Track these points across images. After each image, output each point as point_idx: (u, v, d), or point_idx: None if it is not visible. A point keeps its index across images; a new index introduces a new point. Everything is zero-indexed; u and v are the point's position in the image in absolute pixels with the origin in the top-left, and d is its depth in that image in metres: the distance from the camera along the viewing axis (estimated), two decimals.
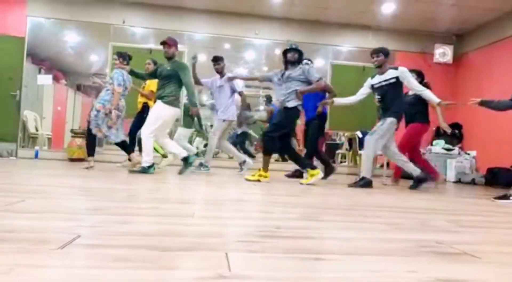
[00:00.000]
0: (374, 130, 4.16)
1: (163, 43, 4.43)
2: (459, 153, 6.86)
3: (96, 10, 6.62)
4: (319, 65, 7.43)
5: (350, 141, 7.21)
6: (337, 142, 8.77)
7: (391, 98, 4.16)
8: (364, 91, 4.35)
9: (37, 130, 6.74)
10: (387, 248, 1.38)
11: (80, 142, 6.00)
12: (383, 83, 4.19)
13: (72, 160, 6.05)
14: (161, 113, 4.26)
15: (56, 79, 6.82)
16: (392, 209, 2.52)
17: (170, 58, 4.45)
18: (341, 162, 7.87)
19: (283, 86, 4.17)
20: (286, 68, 4.22)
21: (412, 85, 4.17)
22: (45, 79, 6.66)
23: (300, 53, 4.24)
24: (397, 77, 4.14)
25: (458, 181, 6.42)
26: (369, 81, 4.34)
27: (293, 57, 4.17)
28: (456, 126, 7.25)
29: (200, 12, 6.83)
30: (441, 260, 1.25)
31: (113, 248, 1.17)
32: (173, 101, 4.32)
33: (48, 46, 6.75)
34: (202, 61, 7.07)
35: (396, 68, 4.20)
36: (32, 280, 0.87)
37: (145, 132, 4.23)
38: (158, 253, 1.14)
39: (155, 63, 5.15)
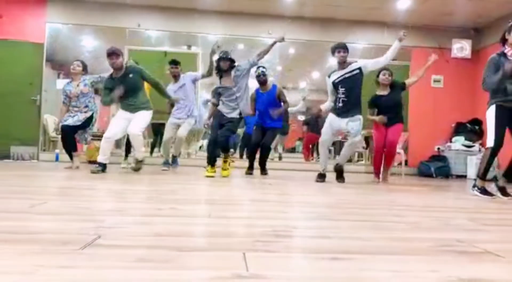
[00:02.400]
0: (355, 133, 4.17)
1: (112, 54, 4.29)
2: (479, 150, 6.70)
3: (112, 15, 6.72)
4: (333, 63, 7.33)
5: (367, 139, 7.12)
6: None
7: (357, 93, 4.17)
8: (331, 93, 4.31)
9: (57, 134, 6.90)
10: (407, 248, 1.36)
11: (98, 144, 6.10)
12: (347, 75, 4.16)
13: (91, 162, 6.15)
14: (148, 120, 4.43)
15: None
16: (411, 208, 2.48)
17: (120, 68, 4.33)
18: (358, 161, 7.79)
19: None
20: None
21: (376, 61, 4.19)
22: (64, 84, 6.81)
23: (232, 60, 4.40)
24: (360, 68, 4.15)
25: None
26: (329, 81, 4.27)
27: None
28: (476, 122, 7.09)
29: (213, 14, 6.87)
30: (463, 259, 1.22)
31: (133, 249, 1.19)
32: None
33: (66, 51, 6.89)
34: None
35: (355, 61, 4.23)
36: (54, 280, 0.89)
37: (137, 131, 4.24)
38: (177, 253, 1.15)
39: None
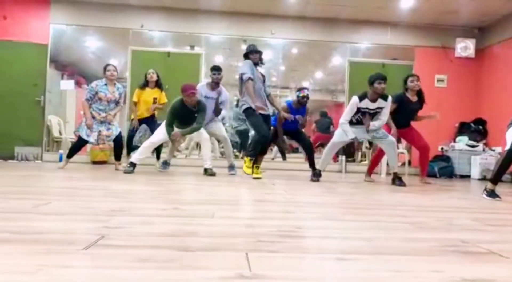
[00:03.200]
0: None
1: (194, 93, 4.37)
2: (483, 149, 6.66)
3: (115, 16, 6.75)
4: (337, 63, 7.36)
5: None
6: (362, 140, 8.67)
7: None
8: (350, 113, 4.23)
9: (61, 134, 6.93)
10: (411, 248, 1.35)
11: (102, 145, 6.13)
12: (371, 111, 4.19)
13: (95, 162, 6.19)
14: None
15: (78, 84, 6.99)
16: (415, 208, 2.47)
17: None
18: (361, 161, 7.77)
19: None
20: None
21: (385, 114, 4.23)
22: (67, 85, 6.83)
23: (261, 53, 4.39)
24: (382, 108, 4.17)
25: (483, 178, 6.23)
26: (357, 104, 4.14)
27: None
28: (480, 122, 7.05)
29: (216, 14, 6.87)
30: (467, 259, 1.22)
31: (136, 249, 1.19)
32: None
33: (70, 52, 6.92)
34: (218, 62, 7.13)
35: (387, 97, 4.16)
36: (58, 280, 0.89)
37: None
38: (180, 253, 1.15)
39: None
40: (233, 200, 2.53)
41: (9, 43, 6.54)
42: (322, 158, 4.47)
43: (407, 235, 1.58)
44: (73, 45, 6.90)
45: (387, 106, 4.17)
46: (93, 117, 4.71)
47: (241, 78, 4.29)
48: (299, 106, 4.78)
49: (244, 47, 6.86)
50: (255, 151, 4.29)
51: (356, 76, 6.87)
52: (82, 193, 2.55)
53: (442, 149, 6.98)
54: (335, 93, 7.53)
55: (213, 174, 4.48)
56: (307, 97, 4.75)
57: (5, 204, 1.94)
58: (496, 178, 3.22)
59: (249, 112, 4.26)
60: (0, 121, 6.41)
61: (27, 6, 6.59)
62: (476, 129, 6.97)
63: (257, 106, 4.11)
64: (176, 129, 4.49)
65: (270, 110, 4.51)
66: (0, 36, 6.52)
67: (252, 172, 4.29)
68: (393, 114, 4.44)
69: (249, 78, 4.18)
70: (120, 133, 4.84)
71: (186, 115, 4.44)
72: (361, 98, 4.11)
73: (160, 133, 4.50)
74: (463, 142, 6.80)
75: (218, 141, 6.09)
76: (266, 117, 4.35)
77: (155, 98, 5.23)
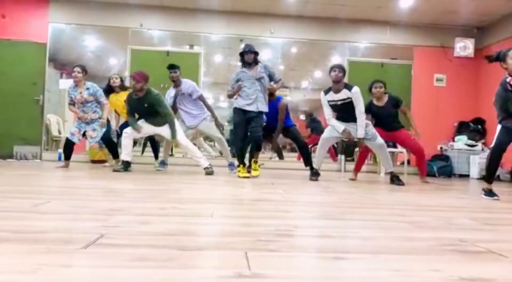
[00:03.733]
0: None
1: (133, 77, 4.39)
2: (482, 149, 6.67)
3: (114, 15, 6.74)
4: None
5: None
6: (355, 139, 8.66)
7: (352, 112, 4.24)
8: (327, 108, 4.32)
9: (60, 133, 6.92)
10: (409, 247, 1.36)
11: (101, 144, 6.13)
12: (339, 102, 4.21)
13: (94, 161, 6.18)
14: None
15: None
16: (414, 207, 2.47)
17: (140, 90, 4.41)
18: None
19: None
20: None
21: (360, 110, 4.22)
22: (66, 84, 6.80)
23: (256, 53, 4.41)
24: (351, 98, 4.17)
25: (482, 178, 6.24)
26: (324, 99, 4.28)
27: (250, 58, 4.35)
28: (479, 121, 7.06)
29: (215, 13, 6.87)
30: (465, 258, 1.22)
31: (135, 248, 1.19)
32: None
33: (69, 51, 6.91)
34: (218, 62, 7.13)
35: (352, 87, 4.18)
36: (57, 280, 0.89)
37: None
38: (179, 252, 1.15)
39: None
40: (232, 199, 2.53)
41: (8, 42, 6.52)
42: (316, 155, 4.49)
43: (406, 234, 1.58)
44: (72, 44, 6.89)
45: (355, 96, 4.13)
46: (79, 118, 4.85)
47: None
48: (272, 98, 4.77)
49: (241, 47, 6.87)
50: (240, 156, 4.44)
51: (355, 76, 6.87)
52: (81, 192, 2.55)
53: (441, 148, 6.99)
54: None
55: (210, 173, 4.48)
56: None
57: (4, 203, 1.94)
58: (489, 176, 3.24)
59: (235, 110, 4.43)
60: None
61: (26, 5, 6.57)
62: (475, 129, 6.98)
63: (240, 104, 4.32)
64: (142, 123, 4.51)
65: (263, 108, 4.44)
66: None
67: (249, 171, 4.38)
68: (374, 122, 4.55)
69: (228, 90, 4.51)
70: (107, 132, 4.90)
71: (138, 106, 4.44)
72: (326, 91, 4.27)
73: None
74: (462, 141, 6.81)
75: (211, 140, 6.11)
76: (254, 115, 4.32)
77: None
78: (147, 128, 4.54)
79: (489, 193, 3.18)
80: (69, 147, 4.87)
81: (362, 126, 4.19)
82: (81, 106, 4.79)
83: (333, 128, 4.29)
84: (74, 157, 4.96)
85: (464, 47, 7.09)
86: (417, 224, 1.82)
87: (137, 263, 1.03)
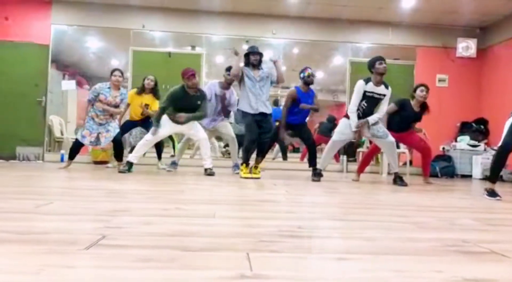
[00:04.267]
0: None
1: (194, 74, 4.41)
2: (485, 149, 6.65)
3: (116, 16, 6.75)
4: (338, 63, 7.35)
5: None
6: (365, 137, 8.64)
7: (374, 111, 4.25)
8: (358, 99, 4.20)
9: (62, 134, 6.94)
10: (412, 248, 1.35)
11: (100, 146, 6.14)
12: (376, 95, 4.15)
13: (96, 162, 6.19)
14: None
15: (79, 84, 6.99)
16: (417, 208, 2.47)
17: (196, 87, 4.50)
18: None
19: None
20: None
21: (382, 109, 4.24)
22: (69, 85, 6.85)
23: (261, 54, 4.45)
24: (385, 95, 4.17)
25: (485, 178, 6.22)
26: (362, 88, 4.14)
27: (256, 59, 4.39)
28: (481, 121, 7.03)
29: (217, 14, 6.87)
30: (468, 259, 1.22)
31: (137, 249, 1.19)
32: None
33: (71, 52, 6.93)
34: (219, 63, 7.13)
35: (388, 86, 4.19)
36: (60, 280, 0.89)
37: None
38: (181, 253, 1.15)
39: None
40: (234, 200, 2.53)
41: (11, 43, 6.55)
42: (322, 157, 4.46)
43: (408, 235, 1.58)
44: (74, 45, 6.91)
45: (388, 95, 4.16)
46: (92, 118, 4.73)
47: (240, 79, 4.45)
48: (307, 88, 4.73)
49: (245, 48, 6.88)
50: (247, 153, 4.41)
51: (357, 76, 6.85)
52: (84, 193, 2.55)
53: (443, 148, 6.97)
54: (336, 93, 7.52)
55: (212, 174, 4.48)
56: (312, 75, 4.68)
57: (6, 204, 1.95)
58: (494, 177, 3.22)
59: (244, 112, 4.40)
60: (2, 122, 6.42)
61: (28, 7, 6.60)
62: (477, 129, 6.96)
63: (251, 106, 4.33)
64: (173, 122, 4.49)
65: (269, 109, 4.46)
66: (1, 36, 6.53)
67: (250, 172, 4.37)
68: (392, 115, 4.48)
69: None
70: (119, 133, 4.85)
71: (188, 101, 4.42)
72: (367, 81, 4.12)
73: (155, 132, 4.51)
74: (464, 141, 6.79)
75: (221, 140, 6.11)
76: (263, 117, 4.36)
77: (147, 105, 5.16)
78: (181, 125, 4.52)
79: (492, 193, 3.17)
80: (76, 149, 4.85)
81: (380, 115, 4.18)
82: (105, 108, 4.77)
83: (347, 124, 4.18)
84: (76, 158, 4.95)
85: (466, 47, 7.07)
86: (419, 225, 1.81)
87: (139, 264, 1.03)
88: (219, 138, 6.66)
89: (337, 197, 2.87)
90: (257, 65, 4.43)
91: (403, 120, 4.54)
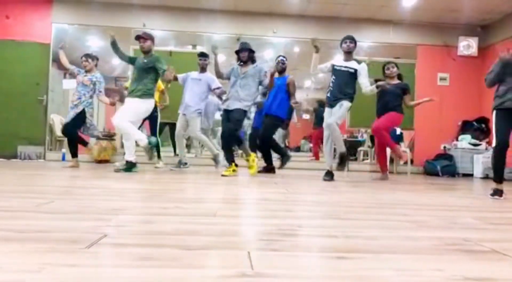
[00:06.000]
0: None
1: (138, 37, 4.50)
2: (486, 148, 6.64)
3: (117, 15, 6.75)
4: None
5: (372, 138, 7.09)
6: (359, 139, 8.65)
7: (343, 88, 4.30)
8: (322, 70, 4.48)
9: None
10: (412, 246, 1.35)
11: (105, 143, 6.14)
12: (343, 68, 4.34)
13: (97, 161, 6.20)
14: (138, 111, 4.34)
15: None
16: (417, 207, 2.46)
17: (146, 52, 4.50)
18: (363, 159, 7.76)
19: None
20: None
21: (365, 83, 4.30)
22: (70, 84, 6.83)
23: (252, 51, 4.54)
24: (356, 70, 4.31)
25: (486, 177, 6.22)
26: (330, 63, 4.47)
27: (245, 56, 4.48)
28: (482, 120, 7.02)
29: (218, 13, 6.86)
30: (469, 258, 1.22)
31: (138, 247, 1.19)
32: (148, 95, 4.41)
33: (72, 51, 6.92)
34: (221, 61, 7.11)
35: (362, 62, 4.38)
36: (61, 279, 0.89)
37: (119, 121, 4.20)
38: (182, 251, 1.15)
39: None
40: (235, 198, 2.53)
41: (12, 42, 6.55)
42: (336, 141, 4.30)
43: (409, 233, 1.58)
44: (75, 44, 6.91)
45: (361, 70, 4.29)
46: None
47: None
48: (280, 76, 4.99)
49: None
50: (225, 154, 4.49)
51: None
52: (85, 191, 2.56)
53: (444, 147, 6.97)
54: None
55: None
56: (281, 62, 5.04)
57: (8, 203, 1.95)
58: (497, 176, 3.19)
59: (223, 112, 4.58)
60: (3, 121, 6.43)
61: (29, 6, 6.60)
62: (478, 128, 6.95)
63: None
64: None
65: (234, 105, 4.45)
66: (2, 35, 6.53)
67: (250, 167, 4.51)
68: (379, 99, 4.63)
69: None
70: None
71: (139, 67, 4.43)
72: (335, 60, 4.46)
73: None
74: (465, 140, 6.78)
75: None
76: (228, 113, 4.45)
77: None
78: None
79: (494, 192, 3.14)
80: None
81: (371, 90, 4.25)
82: (76, 89, 4.98)
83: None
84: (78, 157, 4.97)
85: (467, 46, 7.06)
86: (420, 224, 1.81)
87: (140, 263, 1.03)
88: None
89: (338, 196, 2.87)
90: (247, 61, 4.49)
91: (382, 96, 4.58)
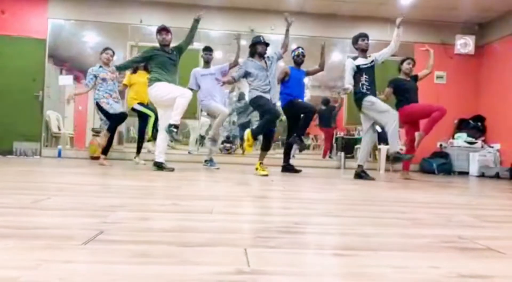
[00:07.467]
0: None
1: (162, 29, 4.50)
2: (482, 146, 6.68)
3: (114, 11, 6.72)
4: (337, 59, 7.35)
5: None
6: (356, 136, 8.67)
7: (375, 82, 4.43)
8: (351, 75, 4.40)
9: (59, 129, 6.92)
10: (408, 244, 1.36)
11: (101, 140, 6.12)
12: (368, 65, 4.41)
13: (93, 158, 6.18)
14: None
15: (76, 79, 6.97)
16: (414, 204, 2.48)
17: (168, 45, 4.54)
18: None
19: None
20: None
21: (382, 52, 4.53)
22: (66, 80, 6.81)
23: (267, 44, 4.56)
24: (373, 60, 4.45)
25: (482, 175, 6.26)
26: (353, 64, 4.42)
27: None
28: (478, 118, 7.06)
29: (215, 9, 6.85)
30: (464, 255, 1.22)
31: (135, 244, 1.19)
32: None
33: (68, 47, 6.90)
34: (218, 58, 7.10)
35: (369, 56, 4.48)
36: (58, 275, 0.89)
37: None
38: (178, 248, 1.15)
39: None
40: (232, 195, 2.53)
41: (7, 38, 6.51)
42: (361, 151, 4.45)
43: (405, 231, 1.58)
44: (72, 40, 6.87)
45: (377, 54, 4.48)
46: (108, 100, 4.99)
47: (244, 75, 4.46)
48: (298, 67, 5.03)
49: (243, 43, 6.85)
50: (262, 130, 4.35)
51: None
52: (81, 188, 2.55)
53: (440, 145, 7.00)
54: (335, 89, 7.53)
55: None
56: (302, 54, 5.03)
57: (4, 199, 1.94)
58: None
59: (257, 97, 4.36)
60: None
61: (25, 1, 6.55)
62: (474, 126, 6.99)
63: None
64: (162, 83, 4.31)
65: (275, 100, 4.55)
66: None
67: (256, 169, 4.38)
68: (396, 97, 4.71)
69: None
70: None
71: (165, 57, 4.43)
72: (354, 58, 4.44)
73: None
74: (461, 138, 6.81)
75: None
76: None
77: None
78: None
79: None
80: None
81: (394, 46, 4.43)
82: (111, 84, 5.07)
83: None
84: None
85: (464, 44, 7.08)
86: (416, 221, 1.82)
87: (136, 259, 1.03)
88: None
89: (334, 193, 2.88)
90: (262, 55, 4.50)
91: (406, 93, 4.67)
